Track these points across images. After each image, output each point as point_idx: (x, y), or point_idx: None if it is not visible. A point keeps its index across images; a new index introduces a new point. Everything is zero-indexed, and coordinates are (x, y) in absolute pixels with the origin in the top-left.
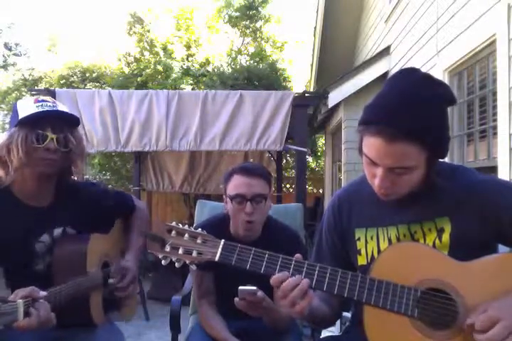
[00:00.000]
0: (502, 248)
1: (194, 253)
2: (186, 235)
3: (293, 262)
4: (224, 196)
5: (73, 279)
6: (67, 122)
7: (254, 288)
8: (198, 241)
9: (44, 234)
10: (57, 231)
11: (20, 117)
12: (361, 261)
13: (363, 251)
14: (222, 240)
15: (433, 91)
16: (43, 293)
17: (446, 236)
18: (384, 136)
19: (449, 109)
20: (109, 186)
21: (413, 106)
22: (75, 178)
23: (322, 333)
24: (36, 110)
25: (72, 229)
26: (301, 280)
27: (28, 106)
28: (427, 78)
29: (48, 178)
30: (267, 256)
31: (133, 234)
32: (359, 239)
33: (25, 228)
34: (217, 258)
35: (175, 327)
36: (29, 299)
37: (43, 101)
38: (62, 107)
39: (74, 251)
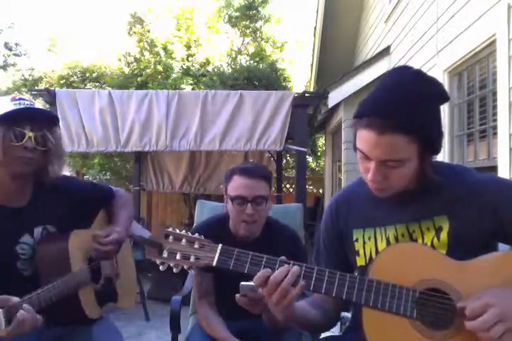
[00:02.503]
0: (501, 246)
1: (192, 259)
2: (183, 240)
3: (290, 266)
4: (224, 195)
5: (59, 278)
6: (46, 120)
7: (256, 284)
8: (196, 246)
9: (25, 235)
10: (37, 231)
11: None
12: (360, 261)
13: (361, 252)
14: (220, 245)
15: (424, 87)
16: (15, 299)
17: (444, 235)
18: (374, 128)
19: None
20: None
21: (405, 100)
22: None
23: (322, 333)
24: (14, 108)
25: (52, 227)
26: (290, 268)
27: (5, 104)
28: (419, 74)
29: (24, 178)
30: (264, 259)
31: (116, 212)
32: (357, 239)
33: (2, 230)
34: (214, 263)
35: (175, 327)
36: (6, 307)
37: (20, 99)
38: (39, 106)
39: (55, 250)
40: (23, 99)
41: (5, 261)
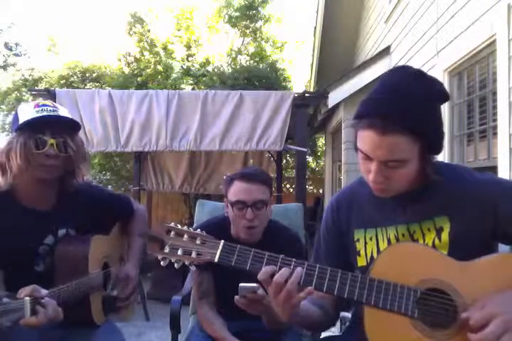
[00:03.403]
0: (501, 247)
1: (193, 254)
2: (185, 236)
3: (293, 262)
4: (225, 200)
5: (75, 279)
6: (67, 127)
7: (255, 285)
8: (197, 241)
9: (49, 236)
10: (61, 233)
11: (20, 122)
12: (361, 262)
13: (362, 252)
14: (222, 241)
15: (425, 87)
16: (44, 291)
17: (445, 236)
18: (375, 128)
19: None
20: (109, 186)
21: (406, 100)
22: (77, 181)
23: (322, 333)
24: (36, 115)
25: (74, 231)
26: (292, 269)
27: (28, 111)
28: (419, 74)
29: (49, 183)
30: (266, 256)
31: (133, 238)
32: (358, 240)
33: (28, 232)
34: (216, 259)
35: (175, 327)
36: (34, 297)
37: (43, 105)
38: (63, 111)
39: (76, 252)
40: (46, 106)
41: (25, 259)
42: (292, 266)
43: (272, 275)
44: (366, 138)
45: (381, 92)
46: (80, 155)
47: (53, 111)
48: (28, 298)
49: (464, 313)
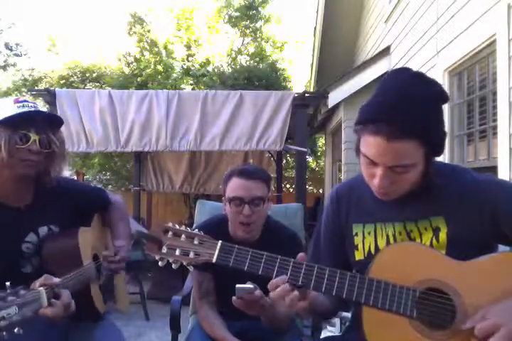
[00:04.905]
0: (501, 247)
1: (191, 255)
2: (183, 236)
3: (291, 263)
4: (223, 198)
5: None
6: (50, 123)
7: (252, 286)
8: (195, 242)
9: (30, 234)
10: (43, 230)
11: (0, 117)
12: (358, 256)
13: (360, 247)
14: (220, 241)
15: (427, 89)
16: (56, 280)
17: (443, 236)
18: (384, 134)
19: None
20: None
21: (410, 104)
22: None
23: (322, 333)
24: (18, 110)
25: (56, 227)
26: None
27: (8, 107)
28: (420, 76)
29: (27, 179)
30: (264, 257)
31: (114, 223)
32: (356, 234)
33: (7, 229)
34: (214, 260)
35: (175, 327)
36: (48, 287)
37: (24, 101)
38: (42, 109)
39: (66, 247)
40: (27, 101)
41: (10, 260)
42: (290, 271)
43: (277, 286)
44: (372, 144)
45: (384, 96)
46: (61, 152)
47: (34, 107)
48: (42, 288)
49: (467, 323)
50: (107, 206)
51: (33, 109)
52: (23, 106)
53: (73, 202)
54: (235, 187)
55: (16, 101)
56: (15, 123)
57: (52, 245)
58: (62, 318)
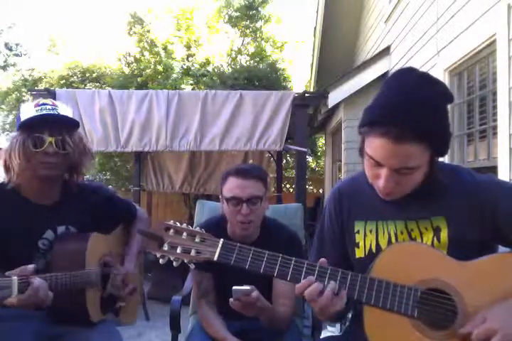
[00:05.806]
0: (502, 248)
1: (192, 252)
2: (184, 234)
3: (292, 262)
4: (220, 197)
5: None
6: (65, 125)
7: (249, 287)
8: (197, 239)
9: (48, 231)
10: (61, 229)
11: (21, 121)
12: (359, 253)
13: (361, 244)
14: (221, 239)
15: (433, 90)
16: (30, 267)
17: (444, 236)
18: (391, 136)
19: (449, 109)
20: (109, 186)
21: (417, 106)
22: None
23: (322, 333)
24: (35, 114)
25: (74, 229)
26: (323, 286)
27: (28, 111)
28: (425, 77)
29: (52, 180)
30: (266, 255)
31: (132, 238)
32: (358, 231)
33: (28, 224)
34: (215, 258)
35: (175, 327)
36: (23, 277)
37: (43, 104)
38: (63, 109)
39: (74, 249)
40: (45, 104)
41: (25, 253)
42: (291, 269)
43: (305, 288)
44: (379, 146)
45: (391, 98)
46: (79, 151)
47: (52, 109)
48: (15, 277)
49: (465, 327)
50: (132, 220)
51: (50, 112)
52: (41, 109)
53: (98, 211)
54: (232, 186)
55: (36, 105)
56: (30, 126)
57: (62, 244)
58: (32, 308)
